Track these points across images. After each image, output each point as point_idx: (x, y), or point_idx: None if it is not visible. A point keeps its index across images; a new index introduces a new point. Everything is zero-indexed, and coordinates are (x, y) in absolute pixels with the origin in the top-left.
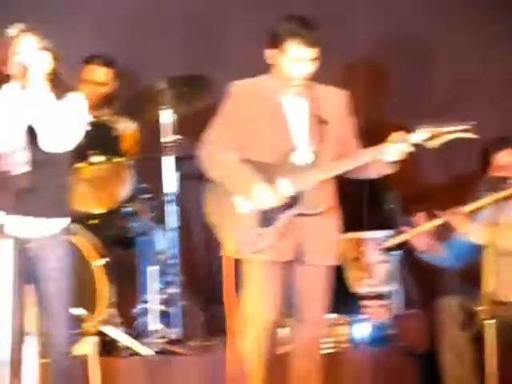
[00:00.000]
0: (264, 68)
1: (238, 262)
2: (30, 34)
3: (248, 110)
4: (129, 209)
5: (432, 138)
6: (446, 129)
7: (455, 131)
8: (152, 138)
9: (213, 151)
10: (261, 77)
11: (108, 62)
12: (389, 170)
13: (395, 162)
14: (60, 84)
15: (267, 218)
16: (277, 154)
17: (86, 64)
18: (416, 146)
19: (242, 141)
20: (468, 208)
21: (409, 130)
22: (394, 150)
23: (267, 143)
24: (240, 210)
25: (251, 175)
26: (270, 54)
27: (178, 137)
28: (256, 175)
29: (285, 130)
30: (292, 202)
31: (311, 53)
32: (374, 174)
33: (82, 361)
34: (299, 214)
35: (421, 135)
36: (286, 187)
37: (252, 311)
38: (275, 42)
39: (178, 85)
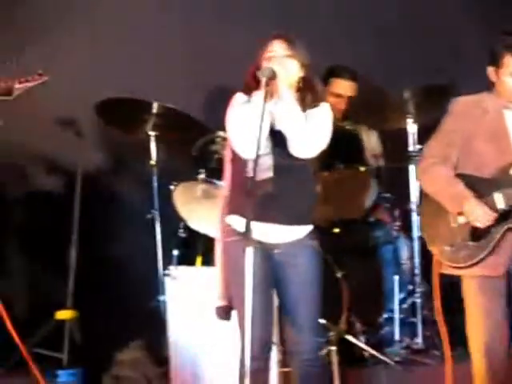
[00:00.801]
0: None
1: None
2: (281, 41)
3: (469, 126)
4: (372, 218)
5: None
6: None
7: None
8: (396, 147)
9: (429, 166)
10: (483, 93)
11: (353, 76)
12: None
13: None
14: (309, 94)
15: (480, 232)
16: (495, 169)
17: (332, 77)
18: None
19: (460, 156)
20: None
21: None
22: None
23: (486, 158)
24: (454, 224)
25: (464, 191)
26: (490, 71)
27: (421, 146)
28: (469, 191)
29: (506, 145)
30: (506, 215)
31: None
32: None
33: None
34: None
35: None
36: (500, 201)
37: (476, 331)
38: (494, 58)
39: (421, 94)
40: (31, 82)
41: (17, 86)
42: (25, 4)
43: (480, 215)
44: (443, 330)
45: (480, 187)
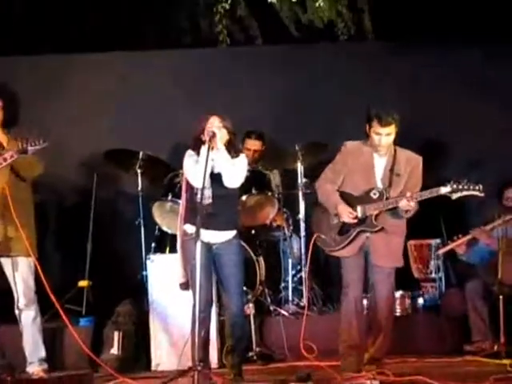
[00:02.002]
0: None
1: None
2: (217, 117)
3: (350, 162)
4: (275, 223)
5: (453, 191)
6: (465, 186)
7: (469, 189)
8: (289, 180)
9: (322, 184)
10: (361, 141)
11: (258, 137)
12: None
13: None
14: (234, 148)
15: (344, 230)
16: (362, 191)
17: (245, 138)
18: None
19: (344, 180)
20: (488, 227)
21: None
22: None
23: (358, 183)
24: (331, 222)
25: (339, 200)
26: (366, 127)
27: (306, 179)
28: (343, 201)
29: (371, 177)
30: (362, 221)
31: (387, 130)
32: None
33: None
34: (363, 231)
35: (446, 189)
36: (360, 211)
37: (350, 296)
38: (368, 120)
39: (306, 148)
40: (38, 145)
41: (29, 148)
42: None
43: (346, 214)
44: (308, 288)
45: (351, 201)
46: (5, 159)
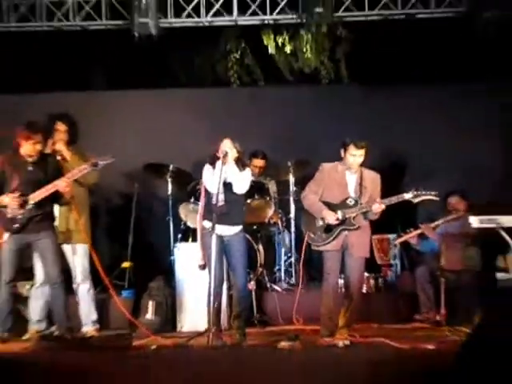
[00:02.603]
0: None
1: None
2: (229, 140)
3: (328, 178)
4: (272, 221)
5: (414, 197)
6: (422, 192)
7: (427, 194)
8: (283, 188)
9: (307, 195)
10: (337, 162)
11: (262, 156)
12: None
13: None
14: (242, 163)
15: (328, 230)
16: (339, 200)
17: (252, 157)
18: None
19: (323, 192)
20: (433, 225)
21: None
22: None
23: (335, 194)
24: (317, 224)
25: (322, 206)
26: (342, 151)
27: (296, 188)
28: (325, 207)
29: (345, 190)
30: (342, 222)
31: (360, 152)
32: None
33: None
34: (345, 228)
35: (408, 195)
36: (340, 214)
37: (330, 276)
38: (344, 145)
39: (296, 163)
40: (107, 161)
41: (100, 162)
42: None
43: (330, 217)
44: (302, 273)
45: (331, 207)
46: (80, 170)
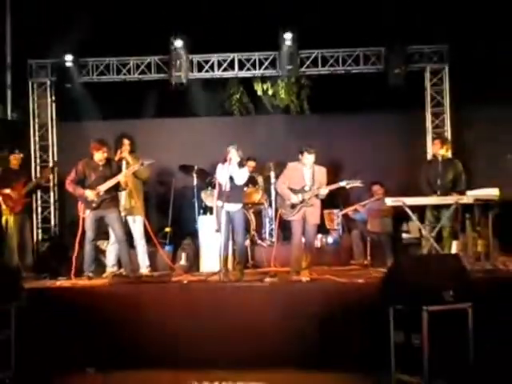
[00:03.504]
0: None
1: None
2: (235, 148)
3: (292, 173)
4: (260, 202)
5: (347, 184)
6: (352, 181)
7: (355, 182)
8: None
9: (280, 184)
10: (297, 162)
11: (254, 159)
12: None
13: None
14: (242, 164)
15: (294, 206)
16: (299, 187)
17: (248, 160)
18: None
19: (289, 181)
20: (362, 203)
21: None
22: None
23: (297, 183)
24: (286, 203)
25: (289, 192)
26: (300, 155)
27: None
28: (291, 192)
29: (302, 181)
30: (301, 202)
31: (312, 155)
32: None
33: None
34: (304, 206)
35: (343, 183)
36: (301, 197)
37: (296, 236)
38: (301, 151)
39: (276, 165)
40: (149, 161)
41: (145, 163)
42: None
43: (294, 199)
44: (278, 234)
45: (294, 192)
46: (133, 168)
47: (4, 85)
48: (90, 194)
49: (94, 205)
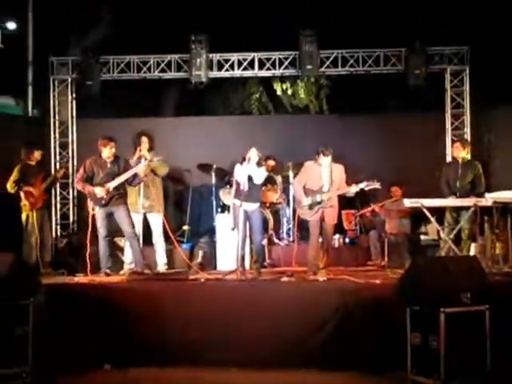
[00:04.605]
0: None
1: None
2: (254, 148)
3: (308, 172)
4: (278, 201)
5: (366, 186)
6: (371, 183)
7: (373, 184)
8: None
9: (296, 184)
10: (314, 161)
11: (274, 158)
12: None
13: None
14: (260, 163)
15: (311, 208)
16: (317, 187)
17: (267, 159)
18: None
19: (306, 182)
20: (380, 204)
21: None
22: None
23: (313, 184)
24: (303, 203)
25: (303, 194)
26: (317, 156)
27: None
28: (307, 193)
29: (320, 180)
30: (320, 202)
31: (329, 156)
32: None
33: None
34: (322, 207)
35: (361, 185)
36: (319, 198)
37: (313, 235)
38: (317, 152)
39: (295, 164)
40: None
41: (154, 159)
42: None
43: (305, 202)
44: (296, 234)
45: (312, 192)
46: (145, 164)
47: (25, 82)
48: (99, 190)
49: (103, 202)
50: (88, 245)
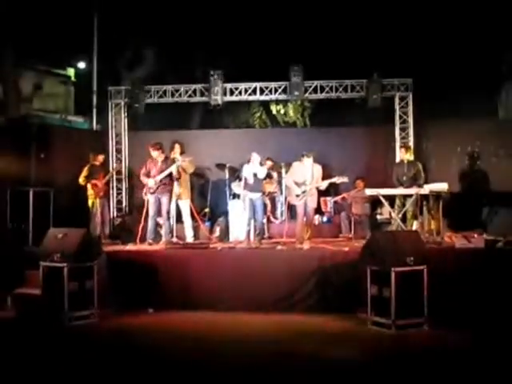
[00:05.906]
0: None
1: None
2: (255, 153)
3: (296, 170)
4: (274, 191)
5: (337, 180)
6: (341, 178)
7: (343, 178)
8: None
9: (287, 178)
10: (300, 161)
11: (272, 160)
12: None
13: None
14: (261, 163)
15: (298, 196)
16: (302, 181)
17: (266, 160)
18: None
19: (294, 177)
20: (348, 193)
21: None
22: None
23: (300, 178)
24: (296, 192)
25: (295, 185)
26: (301, 158)
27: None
28: (295, 185)
29: (304, 176)
30: (303, 192)
31: (310, 158)
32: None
33: None
34: (305, 195)
35: (334, 179)
36: (303, 189)
37: (299, 216)
38: (302, 155)
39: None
40: (188, 157)
41: (186, 159)
42: None
43: (298, 191)
44: (287, 214)
45: (298, 185)
46: (179, 163)
47: (91, 105)
48: (150, 182)
49: (151, 190)
50: (142, 221)
